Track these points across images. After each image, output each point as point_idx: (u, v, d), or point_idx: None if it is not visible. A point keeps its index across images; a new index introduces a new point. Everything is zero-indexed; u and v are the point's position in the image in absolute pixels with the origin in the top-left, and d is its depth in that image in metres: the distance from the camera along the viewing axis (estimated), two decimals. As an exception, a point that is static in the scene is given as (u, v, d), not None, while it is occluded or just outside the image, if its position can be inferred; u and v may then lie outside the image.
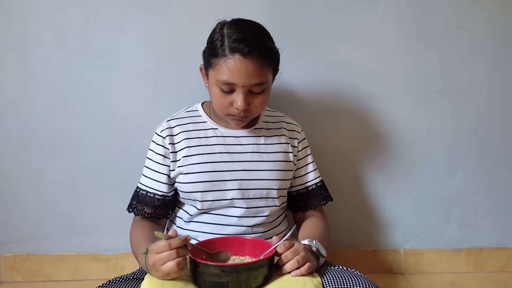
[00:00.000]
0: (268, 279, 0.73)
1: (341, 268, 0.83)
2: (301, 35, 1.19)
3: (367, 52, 1.21)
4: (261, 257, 0.75)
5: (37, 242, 1.21)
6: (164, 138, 0.93)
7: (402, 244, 1.28)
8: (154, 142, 0.95)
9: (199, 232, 0.91)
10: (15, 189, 1.19)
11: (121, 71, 1.17)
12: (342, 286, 0.73)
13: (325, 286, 0.75)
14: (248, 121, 0.92)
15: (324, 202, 1.02)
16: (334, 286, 0.74)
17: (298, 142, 1.00)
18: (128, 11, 1.16)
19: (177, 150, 0.93)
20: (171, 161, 0.93)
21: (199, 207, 0.91)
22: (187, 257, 0.73)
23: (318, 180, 1.02)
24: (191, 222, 0.94)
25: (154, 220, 0.96)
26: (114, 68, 1.17)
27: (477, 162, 1.27)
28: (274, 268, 0.75)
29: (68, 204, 1.20)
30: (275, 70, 0.90)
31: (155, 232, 0.73)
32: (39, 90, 1.16)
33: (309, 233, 0.92)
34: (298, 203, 1.01)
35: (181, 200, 0.96)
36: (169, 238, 0.71)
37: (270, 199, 0.93)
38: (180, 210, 0.97)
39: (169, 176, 0.93)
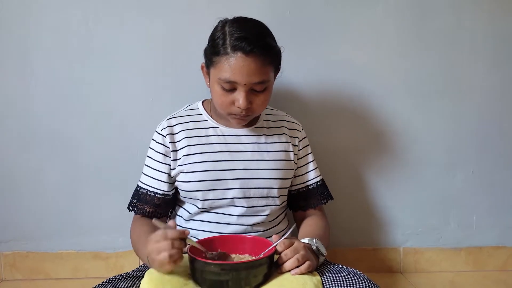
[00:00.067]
0: (268, 277, 0.73)
1: (340, 266, 0.83)
2: (301, 35, 1.19)
3: (367, 52, 1.21)
4: (261, 256, 0.75)
5: (37, 241, 1.21)
6: (165, 136, 0.93)
7: (402, 243, 1.28)
8: (155, 140, 0.95)
9: (199, 230, 0.91)
10: (15, 188, 1.19)
11: (121, 71, 1.17)
12: (342, 284, 0.73)
13: (324, 284, 0.75)
14: (249, 120, 0.92)
15: (325, 201, 1.02)
16: (333, 285, 0.74)
17: (299, 141, 1.00)
18: (128, 11, 1.16)
19: (177, 149, 0.93)
20: (172, 160, 0.93)
21: (199, 206, 0.91)
22: (187, 255, 0.73)
23: (318, 179, 1.02)
24: (191, 221, 0.94)
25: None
26: (114, 68, 1.17)
27: (477, 162, 1.27)
28: (274, 266, 0.75)
29: (68, 203, 1.20)
30: (276, 68, 0.90)
31: (153, 219, 0.73)
32: (39, 90, 1.17)
33: (309, 232, 0.92)
34: (298, 202, 1.02)
35: (182, 198, 0.97)
36: (167, 228, 0.71)
37: (270, 198, 0.93)
38: (180, 209, 0.97)
39: (169, 175, 0.93)
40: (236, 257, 0.79)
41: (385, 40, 1.22)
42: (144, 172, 0.96)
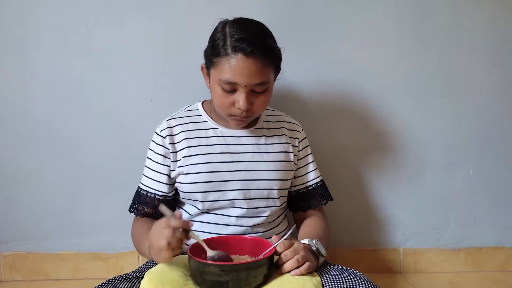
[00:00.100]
0: (267, 278, 0.73)
1: (340, 267, 0.83)
2: (301, 35, 1.19)
3: (367, 52, 1.21)
4: (261, 256, 0.75)
5: (37, 241, 1.21)
6: (164, 138, 0.93)
7: (401, 244, 1.28)
8: (154, 142, 0.95)
9: (199, 231, 0.91)
10: (15, 188, 1.19)
11: (121, 71, 1.17)
12: (342, 285, 0.73)
13: (324, 285, 0.75)
14: (249, 121, 0.92)
15: (324, 201, 1.02)
16: (333, 286, 0.74)
17: (299, 142, 1.00)
18: (128, 11, 1.16)
19: (177, 150, 0.93)
20: (172, 161, 0.93)
21: (200, 207, 0.91)
22: (187, 255, 0.73)
23: (318, 179, 1.02)
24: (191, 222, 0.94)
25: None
26: (114, 68, 1.17)
27: (477, 162, 1.27)
28: (273, 267, 0.75)
29: (68, 204, 1.20)
30: (277, 69, 0.90)
31: (161, 205, 0.74)
32: (39, 90, 1.16)
33: (309, 233, 0.92)
34: (298, 202, 1.02)
35: (181, 199, 0.97)
36: (172, 216, 0.72)
37: (271, 199, 0.93)
38: (180, 210, 0.97)
39: (169, 176, 0.93)
40: (236, 258, 0.79)
41: (385, 40, 1.22)
42: (144, 174, 0.96)
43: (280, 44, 0.89)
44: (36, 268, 1.21)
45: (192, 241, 0.88)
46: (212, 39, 0.86)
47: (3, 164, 1.18)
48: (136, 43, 1.16)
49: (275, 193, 0.93)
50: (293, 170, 0.98)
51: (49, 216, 1.20)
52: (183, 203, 0.97)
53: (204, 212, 0.92)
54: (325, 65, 1.21)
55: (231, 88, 0.84)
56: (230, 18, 0.88)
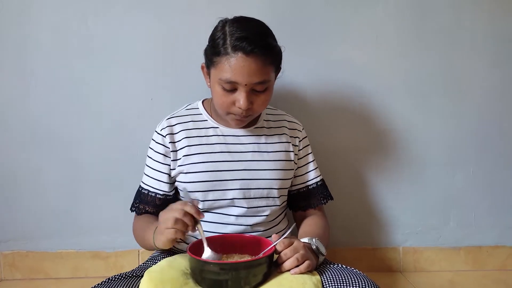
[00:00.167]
0: (267, 277, 0.73)
1: (340, 266, 0.83)
2: (301, 35, 1.19)
3: (367, 52, 1.21)
4: (261, 255, 0.75)
5: (37, 240, 1.21)
6: (165, 136, 0.93)
7: (401, 243, 1.28)
8: (154, 140, 0.95)
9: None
10: (15, 188, 1.19)
11: (121, 70, 1.17)
12: (341, 284, 0.73)
13: (324, 284, 0.75)
14: (249, 120, 0.92)
15: (325, 201, 1.02)
16: (333, 284, 0.74)
17: (299, 141, 1.00)
18: (128, 11, 1.16)
19: (177, 149, 0.93)
20: (172, 160, 0.93)
21: (199, 206, 0.91)
22: (187, 254, 0.73)
23: (318, 179, 1.02)
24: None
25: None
26: (114, 67, 1.17)
27: (477, 162, 1.27)
28: (273, 266, 0.75)
29: (67, 203, 1.20)
30: (277, 68, 0.90)
31: (194, 200, 0.80)
32: (39, 90, 1.16)
33: (309, 231, 0.92)
34: (298, 202, 1.02)
35: (181, 199, 0.97)
36: (188, 202, 0.75)
37: (271, 198, 0.93)
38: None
39: (170, 175, 0.93)
40: (236, 257, 0.79)
41: (385, 40, 1.22)
42: (145, 173, 0.96)
43: (280, 43, 0.89)
44: (36, 267, 1.21)
45: (191, 240, 0.88)
46: (212, 38, 0.86)
47: (3, 163, 1.19)
48: (136, 43, 1.17)
49: (275, 193, 0.93)
50: (293, 169, 0.98)
51: (49, 215, 1.20)
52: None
53: (204, 211, 0.92)
54: (325, 65, 1.21)
55: (231, 87, 0.84)
56: (230, 17, 0.88)
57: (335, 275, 0.77)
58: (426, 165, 1.26)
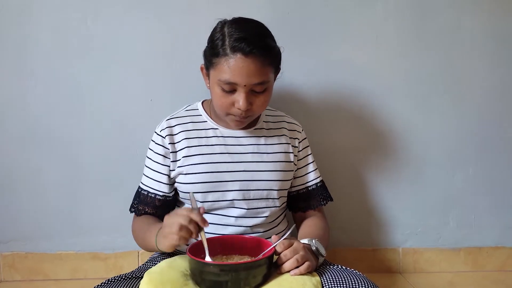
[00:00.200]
0: (267, 278, 0.73)
1: (340, 267, 0.83)
2: (301, 35, 1.19)
3: (367, 52, 1.21)
4: (260, 256, 0.75)
5: (36, 241, 1.21)
6: (164, 137, 0.93)
7: (401, 243, 1.28)
8: (154, 141, 0.94)
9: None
10: (14, 188, 1.19)
11: (120, 71, 1.17)
12: (341, 285, 0.73)
13: (324, 285, 0.75)
14: (248, 121, 0.92)
15: (324, 202, 1.02)
16: (333, 285, 0.74)
17: (299, 142, 1.00)
18: (128, 11, 1.16)
19: (177, 150, 0.93)
20: (171, 161, 0.93)
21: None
22: (187, 255, 0.73)
23: (318, 180, 1.02)
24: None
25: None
26: (114, 68, 1.17)
27: (477, 162, 1.27)
28: (273, 267, 0.75)
29: (67, 204, 1.20)
30: (276, 69, 0.89)
31: (191, 193, 0.77)
32: (39, 90, 1.16)
33: (309, 233, 0.92)
34: (298, 203, 1.01)
35: (181, 199, 0.96)
36: (195, 209, 0.74)
37: (270, 199, 0.93)
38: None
39: (169, 176, 0.93)
40: (236, 258, 0.79)
41: (385, 40, 1.21)
42: (144, 173, 0.96)
43: (280, 43, 0.89)
44: (35, 268, 1.21)
45: (191, 241, 0.88)
46: (211, 40, 0.86)
47: (2, 163, 1.18)
48: (136, 43, 1.16)
49: (274, 194, 0.92)
50: (293, 170, 0.97)
51: (48, 216, 1.20)
52: (183, 203, 0.97)
53: (204, 212, 0.92)
54: (325, 65, 1.21)
55: (231, 88, 0.84)
56: (230, 18, 0.87)
57: (335, 276, 0.77)
58: (425, 165, 1.26)
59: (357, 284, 0.73)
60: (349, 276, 0.76)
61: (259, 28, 0.86)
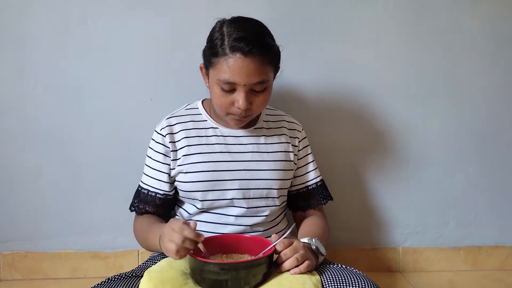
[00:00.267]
0: (267, 277, 0.73)
1: (340, 266, 0.83)
2: (301, 35, 1.19)
3: (367, 51, 1.21)
4: (260, 255, 0.75)
5: (36, 240, 1.21)
6: (164, 136, 0.93)
7: (401, 243, 1.28)
8: (154, 140, 0.94)
9: (198, 231, 0.91)
10: (14, 187, 1.19)
11: (120, 70, 1.17)
12: (341, 284, 0.73)
13: (324, 284, 0.75)
14: (248, 120, 0.92)
15: (324, 201, 1.02)
16: (333, 284, 0.74)
17: (299, 141, 1.00)
18: (127, 11, 1.15)
19: (177, 149, 0.93)
20: (172, 160, 0.93)
21: (199, 206, 0.91)
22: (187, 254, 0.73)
23: (318, 179, 1.02)
24: (190, 221, 0.93)
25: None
26: (114, 67, 1.17)
27: (476, 161, 1.27)
28: (273, 266, 0.75)
29: (67, 203, 1.20)
30: (276, 68, 0.89)
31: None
32: (38, 89, 1.16)
33: (309, 232, 0.92)
34: (298, 202, 1.01)
35: (181, 198, 0.96)
36: (187, 225, 0.72)
37: (270, 199, 0.93)
38: (180, 209, 0.97)
39: (169, 175, 0.93)
40: (236, 257, 0.79)
41: (385, 40, 1.22)
42: (144, 172, 0.96)
43: (280, 43, 0.89)
44: (35, 267, 1.21)
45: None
46: (210, 39, 0.86)
47: (2, 163, 1.18)
48: (136, 42, 1.16)
49: (274, 193, 0.93)
50: (292, 169, 0.97)
51: (48, 215, 1.20)
52: (183, 202, 0.97)
53: (203, 211, 0.92)
54: (325, 65, 1.21)
55: (230, 88, 0.84)
56: (229, 17, 0.87)
57: (334, 275, 0.77)
58: (425, 165, 1.26)
59: (357, 283, 0.73)
60: (349, 275, 0.76)
61: (258, 27, 0.86)
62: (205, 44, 0.89)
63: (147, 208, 0.95)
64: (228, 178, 0.90)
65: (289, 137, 0.99)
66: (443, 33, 1.22)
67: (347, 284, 0.73)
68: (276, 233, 0.85)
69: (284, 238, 0.77)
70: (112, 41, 1.16)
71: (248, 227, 0.91)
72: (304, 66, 1.20)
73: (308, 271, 0.75)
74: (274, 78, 0.90)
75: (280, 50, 0.89)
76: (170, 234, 0.72)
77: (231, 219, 0.91)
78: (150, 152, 0.95)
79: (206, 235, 0.87)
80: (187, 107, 0.99)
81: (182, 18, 1.17)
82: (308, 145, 1.03)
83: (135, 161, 1.14)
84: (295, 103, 1.20)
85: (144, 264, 0.89)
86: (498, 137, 1.27)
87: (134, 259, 1.22)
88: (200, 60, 0.92)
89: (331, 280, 0.75)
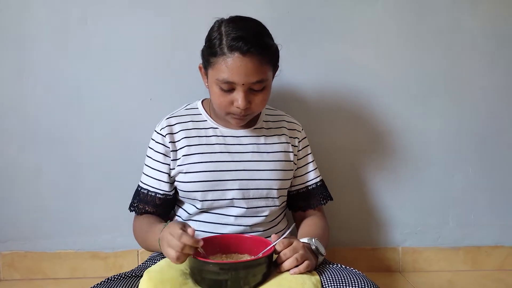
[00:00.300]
0: (267, 277, 0.73)
1: (339, 266, 0.83)
2: (301, 35, 1.19)
3: (367, 51, 1.21)
4: (260, 255, 0.75)
5: (36, 240, 1.21)
6: (164, 136, 0.93)
7: (400, 243, 1.28)
8: (154, 140, 0.94)
9: (197, 231, 0.91)
10: (14, 187, 1.19)
11: (120, 70, 1.17)
12: (341, 284, 0.73)
13: (323, 284, 0.75)
14: (248, 119, 0.92)
15: (324, 201, 1.02)
16: (332, 284, 0.74)
17: (299, 142, 1.00)
18: (127, 10, 1.15)
19: (177, 149, 0.93)
20: (171, 160, 0.93)
21: (199, 207, 0.91)
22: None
23: (318, 179, 1.02)
24: (190, 221, 0.94)
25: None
26: (113, 67, 1.17)
27: (476, 162, 1.27)
28: (273, 266, 0.75)
29: (66, 203, 1.20)
30: (275, 67, 0.89)
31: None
32: (38, 89, 1.16)
33: (309, 232, 0.92)
34: (298, 202, 1.01)
35: (181, 199, 0.96)
36: (186, 230, 0.71)
37: (270, 199, 0.93)
38: (179, 209, 0.97)
39: (169, 175, 0.93)
40: (235, 256, 0.79)
41: (385, 40, 1.22)
42: (144, 172, 0.96)
43: (279, 43, 0.89)
44: (34, 267, 1.21)
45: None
46: (209, 39, 0.86)
47: (2, 163, 1.18)
48: (136, 42, 1.16)
49: (274, 193, 0.93)
50: (292, 170, 0.97)
51: (47, 215, 1.20)
52: (182, 202, 0.97)
53: (203, 211, 0.92)
54: (325, 65, 1.21)
55: (229, 88, 0.84)
56: (228, 16, 0.87)
57: (334, 275, 0.77)
58: (425, 165, 1.26)
59: (356, 283, 0.73)
60: (348, 275, 0.76)
61: (256, 27, 0.86)
62: (204, 44, 0.88)
63: (146, 208, 0.95)
64: (228, 178, 0.90)
65: (289, 137, 0.99)
66: (443, 33, 1.22)
67: (347, 284, 0.73)
68: (275, 233, 0.85)
69: (283, 238, 0.77)
70: (112, 41, 1.16)
71: (248, 227, 0.91)
72: (304, 66, 1.20)
73: (308, 271, 0.75)
74: (273, 77, 0.90)
75: (279, 49, 0.89)
76: (169, 240, 0.71)
77: (231, 219, 0.91)
78: (150, 152, 0.95)
79: (206, 235, 0.88)
80: (187, 107, 0.99)
81: (182, 18, 1.17)
82: (308, 145, 1.03)
83: (135, 161, 1.14)
84: (295, 103, 1.20)
85: (144, 264, 0.89)
86: (498, 137, 1.27)
87: (133, 259, 1.22)
88: (200, 60, 0.92)
89: (331, 280, 0.75)
